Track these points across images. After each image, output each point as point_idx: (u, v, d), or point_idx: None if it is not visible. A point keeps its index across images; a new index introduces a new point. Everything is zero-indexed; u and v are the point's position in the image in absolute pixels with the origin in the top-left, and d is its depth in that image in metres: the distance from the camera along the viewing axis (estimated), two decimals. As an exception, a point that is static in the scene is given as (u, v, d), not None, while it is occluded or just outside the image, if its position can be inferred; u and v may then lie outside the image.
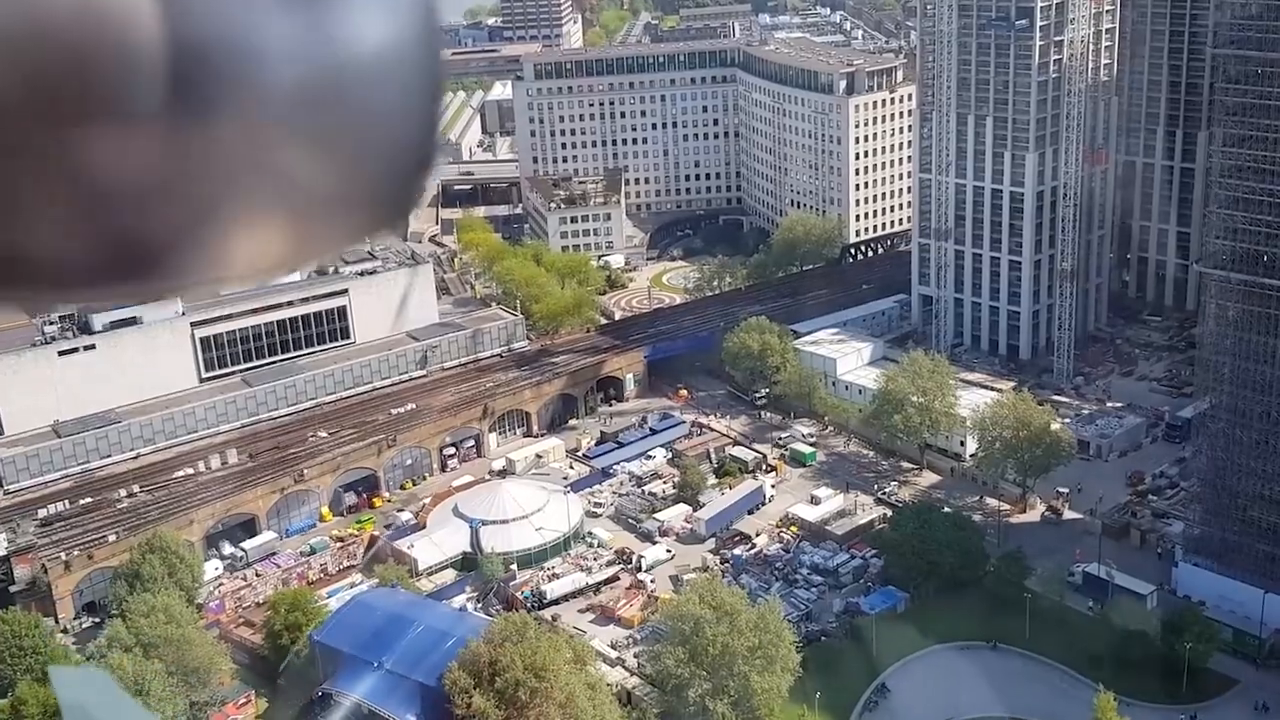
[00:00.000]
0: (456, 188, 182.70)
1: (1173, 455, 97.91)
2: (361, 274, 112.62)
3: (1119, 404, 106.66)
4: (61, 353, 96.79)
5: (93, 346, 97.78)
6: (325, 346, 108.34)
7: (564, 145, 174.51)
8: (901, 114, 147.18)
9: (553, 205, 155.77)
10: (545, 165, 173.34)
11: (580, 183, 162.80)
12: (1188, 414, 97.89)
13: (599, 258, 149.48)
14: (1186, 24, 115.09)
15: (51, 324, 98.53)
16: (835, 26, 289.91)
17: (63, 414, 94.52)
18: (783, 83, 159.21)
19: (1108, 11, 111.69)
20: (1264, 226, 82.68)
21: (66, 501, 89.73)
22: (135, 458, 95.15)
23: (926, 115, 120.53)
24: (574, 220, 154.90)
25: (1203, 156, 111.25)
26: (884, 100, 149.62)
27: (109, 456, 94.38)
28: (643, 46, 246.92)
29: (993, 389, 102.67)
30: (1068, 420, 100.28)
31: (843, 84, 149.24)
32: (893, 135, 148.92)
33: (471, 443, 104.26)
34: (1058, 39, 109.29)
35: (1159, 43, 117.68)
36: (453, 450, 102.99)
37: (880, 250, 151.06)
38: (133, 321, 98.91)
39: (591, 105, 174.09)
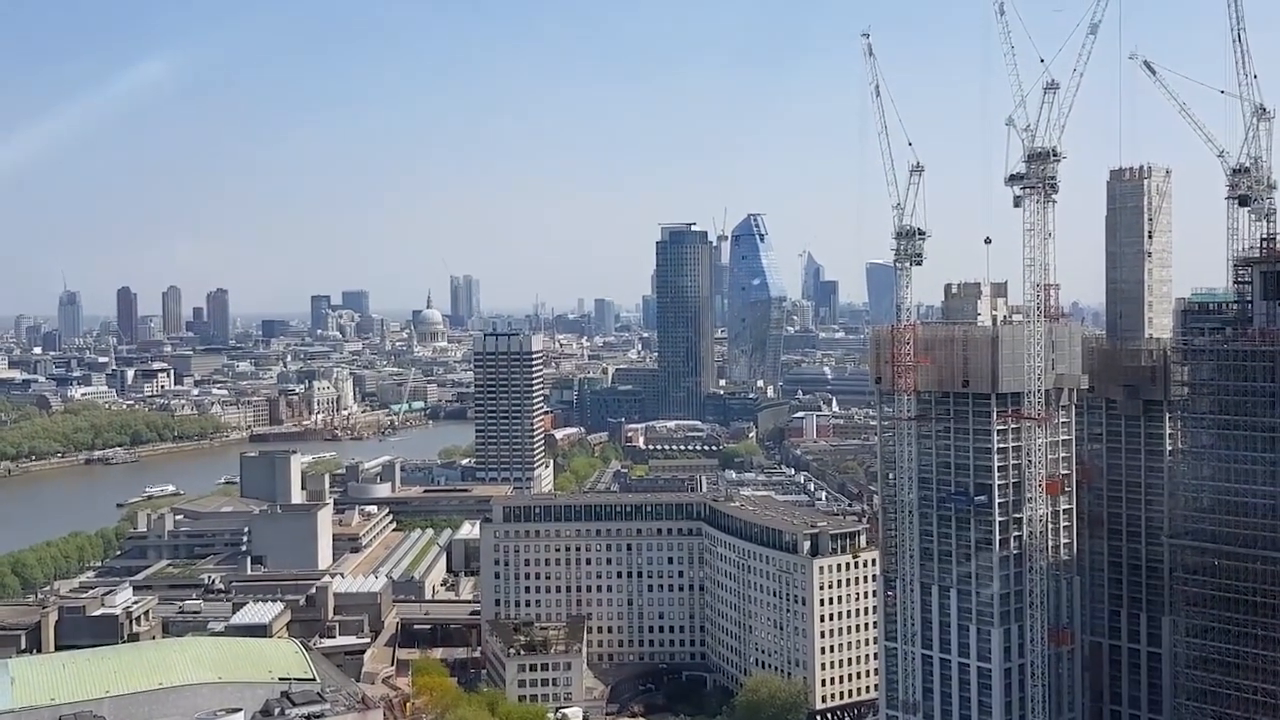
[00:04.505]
0: (415, 627, 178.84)
1: None
2: (307, 717, 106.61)
3: None
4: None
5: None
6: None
7: (528, 589, 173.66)
8: (866, 578, 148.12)
9: (512, 651, 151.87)
10: (508, 608, 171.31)
11: (542, 629, 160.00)
12: None
13: (557, 709, 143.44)
14: (1142, 508, 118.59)
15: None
16: (799, 486, 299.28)
17: None
18: (748, 539, 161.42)
19: (1065, 492, 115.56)
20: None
21: None
22: None
23: (890, 582, 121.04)
24: (533, 669, 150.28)
25: (1168, 643, 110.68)
26: (848, 564, 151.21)
27: None
28: (611, 495, 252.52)
29: None
30: None
31: (807, 544, 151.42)
32: (858, 600, 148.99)
33: None
34: (1016, 516, 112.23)
35: (1116, 525, 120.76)
36: None
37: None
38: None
39: (558, 550, 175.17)
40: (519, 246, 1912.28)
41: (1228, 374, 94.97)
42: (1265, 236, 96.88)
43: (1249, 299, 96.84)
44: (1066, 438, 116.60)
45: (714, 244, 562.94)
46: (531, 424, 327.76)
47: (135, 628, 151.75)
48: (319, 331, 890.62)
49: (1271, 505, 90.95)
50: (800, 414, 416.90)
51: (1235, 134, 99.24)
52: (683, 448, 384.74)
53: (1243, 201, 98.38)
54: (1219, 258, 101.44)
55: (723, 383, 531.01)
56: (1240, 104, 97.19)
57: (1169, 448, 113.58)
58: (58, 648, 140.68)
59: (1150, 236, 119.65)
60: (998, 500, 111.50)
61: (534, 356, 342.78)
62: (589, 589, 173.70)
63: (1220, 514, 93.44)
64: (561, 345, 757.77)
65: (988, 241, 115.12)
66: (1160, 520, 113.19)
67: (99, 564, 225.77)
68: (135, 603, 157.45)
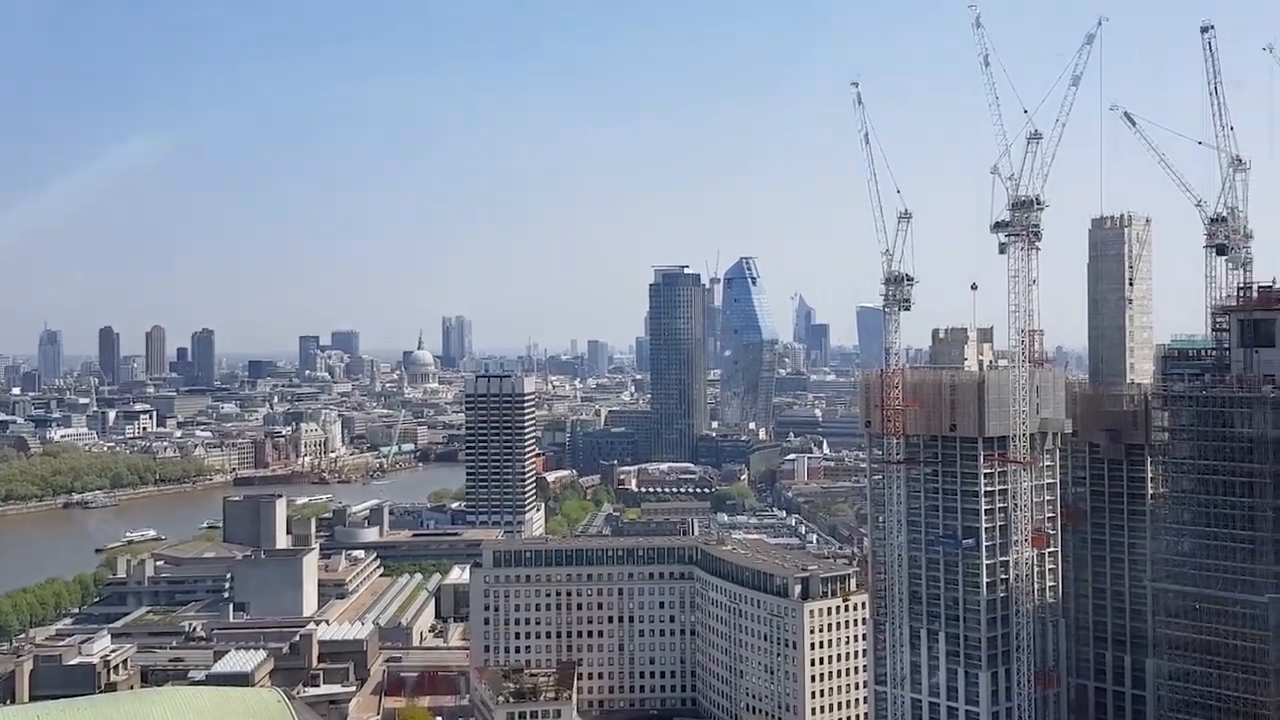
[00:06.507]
0: (402, 675, 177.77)
1: None
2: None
3: None
4: None
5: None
6: None
7: (518, 635, 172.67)
8: (856, 621, 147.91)
9: (501, 699, 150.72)
10: (497, 654, 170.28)
11: (532, 675, 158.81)
12: None
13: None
14: (1125, 551, 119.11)
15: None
16: (791, 529, 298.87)
17: None
18: (739, 583, 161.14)
19: (1049, 545, 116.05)
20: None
21: None
22: None
23: (880, 626, 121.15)
24: (523, 716, 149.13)
25: (1152, 685, 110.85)
26: (838, 607, 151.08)
27: None
28: (603, 539, 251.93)
29: None
30: None
31: (798, 588, 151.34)
32: (848, 643, 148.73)
33: None
34: (1003, 559, 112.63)
35: (1100, 567, 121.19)
36: None
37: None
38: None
39: (548, 595, 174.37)
40: (512, 287, 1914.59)
41: (1207, 420, 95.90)
42: (1242, 285, 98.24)
43: (1227, 346, 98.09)
44: (1051, 481, 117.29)
45: (707, 286, 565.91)
46: (523, 466, 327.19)
47: (113, 677, 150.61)
48: (307, 372, 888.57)
49: (1250, 549, 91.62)
50: (792, 456, 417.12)
51: (1213, 184, 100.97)
52: (675, 490, 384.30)
53: (1220, 250, 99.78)
54: (1198, 305, 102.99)
55: (715, 425, 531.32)
56: (1217, 155, 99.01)
57: (1151, 491, 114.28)
58: (32, 698, 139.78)
59: (1131, 284, 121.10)
60: (985, 543, 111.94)
61: (526, 398, 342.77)
62: (580, 634, 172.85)
63: (1201, 558, 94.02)
64: (554, 387, 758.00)
65: (974, 287, 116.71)
66: (1143, 563, 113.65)
67: (76, 611, 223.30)
68: (113, 651, 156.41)
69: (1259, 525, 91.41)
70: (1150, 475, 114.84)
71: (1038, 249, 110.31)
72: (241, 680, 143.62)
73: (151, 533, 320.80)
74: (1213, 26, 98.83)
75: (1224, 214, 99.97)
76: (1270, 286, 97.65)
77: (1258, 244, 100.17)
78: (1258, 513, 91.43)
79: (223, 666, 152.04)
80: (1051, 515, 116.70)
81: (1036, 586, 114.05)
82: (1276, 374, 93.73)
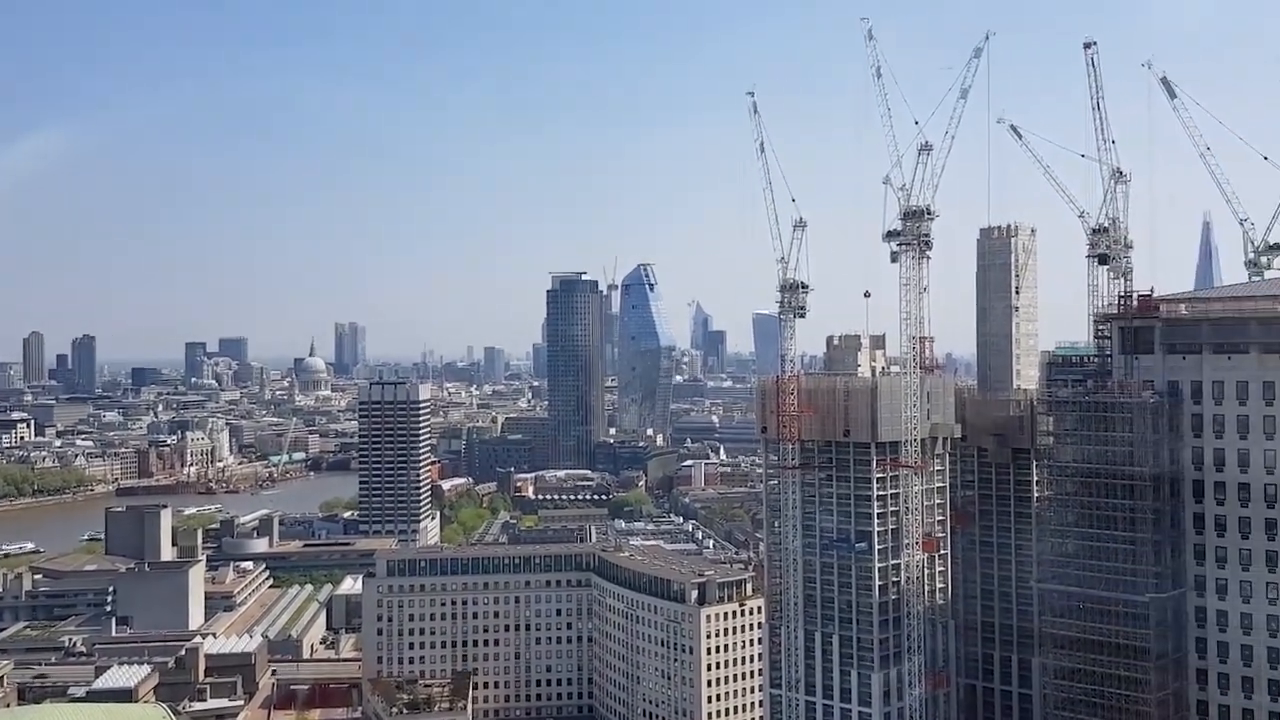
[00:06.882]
0: (292, 688, 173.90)
1: None
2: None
3: None
4: None
5: None
6: None
7: (412, 645, 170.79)
8: (752, 626, 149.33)
9: (394, 710, 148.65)
10: (391, 665, 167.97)
11: (426, 686, 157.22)
12: None
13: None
14: (1012, 553, 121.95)
15: None
16: (688, 535, 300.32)
17: None
18: (636, 589, 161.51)
19: (940, 551, 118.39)
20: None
21: None
22: None
23: (775, 630, 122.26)
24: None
25: (1038, 683, 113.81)
26: (734, 611, 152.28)
27: None
28: (499, 547, 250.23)
29: None
30: None
31: (694, 593, 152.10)
32: (744, 647, 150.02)
33: None
34: (895, 562, 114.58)
35: (989, 569, 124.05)
36: None
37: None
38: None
39: (444, 605, 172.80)
40: (407, 293, 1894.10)
41: (1089, 424, 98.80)
42: (1123, 293, 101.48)
43: (1109, 353, 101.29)
44: (941, 485, 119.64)
45: (604, 293, 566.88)
46: (418, 475, 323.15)
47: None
48: (193, 380, 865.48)
49: (1131, 550, 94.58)
50: (689, 462, 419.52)
51: (1095, 195, 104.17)
52: (572, 497, 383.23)
53: (1102, 260, 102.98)
54: (1081, 313, 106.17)
55: (613, 431, 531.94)
56: (1099, 167, 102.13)
57: (1036, 494, 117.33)
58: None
59: (1017, 292, 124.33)
60: (877, 546, 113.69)
61: (421, 405, 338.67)
62: (475, 643, 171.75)
63: (1084, 558, 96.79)
64: (450, 394, 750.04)
65: (866, 295, 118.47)
66: (1029, 564, 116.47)
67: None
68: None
69: (1139, 526, 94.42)
70: (1036, 478, 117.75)
71: (928, 258, 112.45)
72: (124, 696, 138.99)
73: (29, 545, 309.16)
74: (1095, 43, 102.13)
75: (1106, 224, 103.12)
76: (1149, 295, 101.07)
77: (1137, 254, 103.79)
78: (1138, 514, 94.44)
79: (104, 682, 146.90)
80: (941, 518, 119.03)
81: (927, 588, 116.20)
82: (1155, 380, 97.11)
